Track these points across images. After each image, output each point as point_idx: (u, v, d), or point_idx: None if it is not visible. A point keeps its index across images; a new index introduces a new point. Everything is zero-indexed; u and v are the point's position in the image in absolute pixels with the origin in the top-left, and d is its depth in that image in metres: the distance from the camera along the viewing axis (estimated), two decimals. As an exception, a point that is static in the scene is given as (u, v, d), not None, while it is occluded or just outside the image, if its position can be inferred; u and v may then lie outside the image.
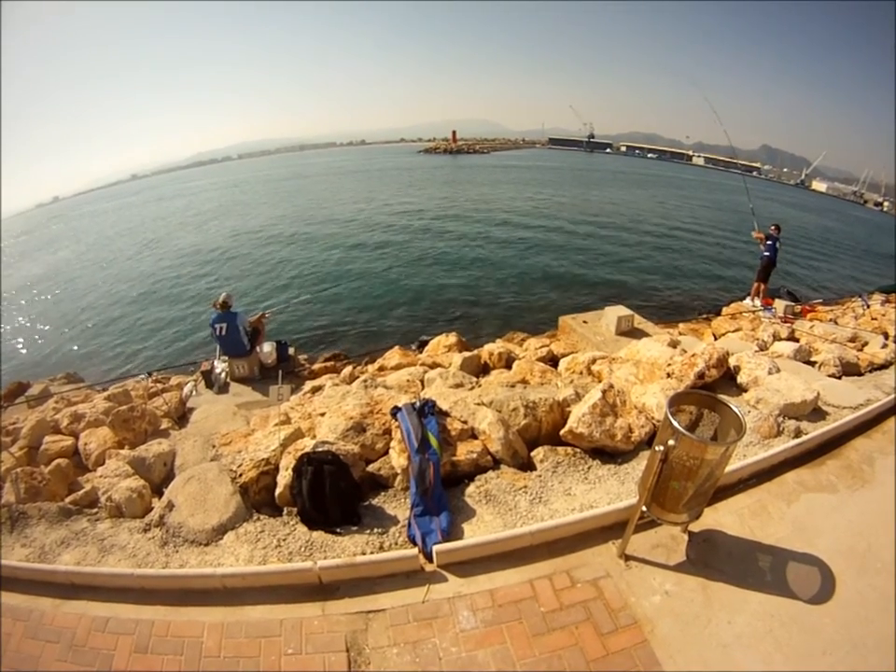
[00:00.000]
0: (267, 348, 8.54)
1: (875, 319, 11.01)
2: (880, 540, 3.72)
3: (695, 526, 3.65)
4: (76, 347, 15.36)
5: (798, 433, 4.87)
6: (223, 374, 7.96)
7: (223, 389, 7.78)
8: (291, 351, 9.20)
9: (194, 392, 7.58)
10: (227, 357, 8.07)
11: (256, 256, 23.06)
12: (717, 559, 3.49)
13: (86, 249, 31.89)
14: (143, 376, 8.82)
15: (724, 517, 3.86)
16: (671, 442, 2.77)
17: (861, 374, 6.91)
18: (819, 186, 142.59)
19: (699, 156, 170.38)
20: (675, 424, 2.74)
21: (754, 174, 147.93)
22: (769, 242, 11.98)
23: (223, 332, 7.81)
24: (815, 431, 4.87)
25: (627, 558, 3.43)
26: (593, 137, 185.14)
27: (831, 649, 2.90)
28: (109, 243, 33.35)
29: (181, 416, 6.73)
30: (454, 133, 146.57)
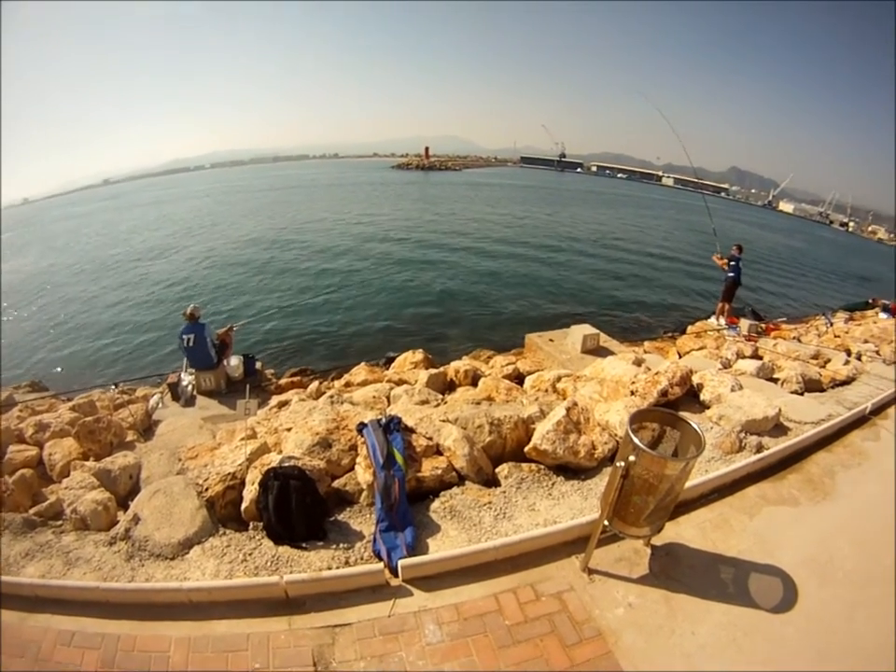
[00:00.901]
0: (234, 362, 8.57)
1: (839, 337, 11.29)
2: (842, 551, 3.84)
3: (658, 540, 3.72)
4: (41, 355, 14.96)
5: (760, 448, 4.99)
6: (190, 387, 7.93)
7: (190, 402, 7.75)
8: (258, 365, 9.23)
9: (160, 404, 7.51)
10: (194, 370, 8.06)
11: (227, 268, 22.66)
12: (679, 571, 3.55)
13: (56, 256, 31.12)
14: (104, 387, 8.69)
15: (686, 531, 3.94)
16: (632, 458, 2.84)
17: (823, 390, 7.08)
18: (786, 207, 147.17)
19: (668, 176, 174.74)
20: (635, 440, 2.81)
21: (722, 194, 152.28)
22: (732, 263, 12.16)
23: (191, 343, 7.83)
24: (776, 446, 5.00)
25: (591, 572, 3.47)
26: (564, 157, 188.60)
27: (794, 657, 2.98)
28: (81, 249, 32.57)
29: (147, 429, 6.64)
30: (426, 149, 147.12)
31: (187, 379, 8.00)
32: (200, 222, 40.14)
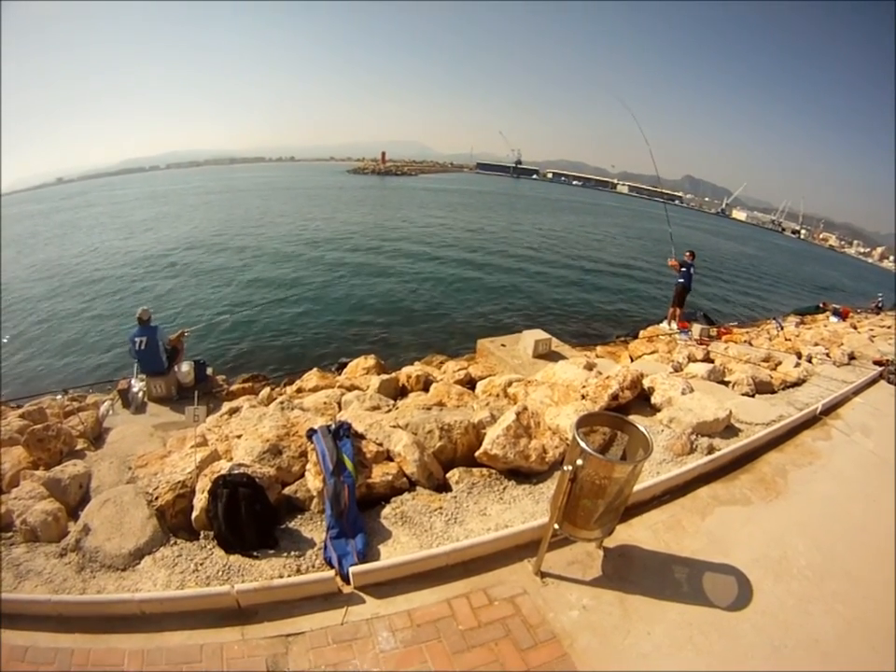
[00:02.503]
0: (185, 367, 8.42)
1: (789, 340, 11.62)
2: (796, 548, 3.96)
3: (610, 542, 3.77)
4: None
5: (711, 450, 5.09)
6: (140, 394, 7.79)
7: (140, 409, 7.61)
8: (209, 371, 9.10)
9: (111, 411, 7.35)
10: (144, 376, 7.94)
11: (180, 274, 22.22)
12: (633, 573, 3.60)
13: (11, 257, 29.98)
14: (54, 394, 8.47)
15: (639, 532, 4.00)
16: (579, 462, 2.87)
17: (774, 392, 7.28)
18: (738, 214, 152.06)
19: (623, 184, 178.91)
20: (582, 444, 2.84)
21: (676, 202, 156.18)
22: (683, 269, 12.39)
23: (142, 346, 7.74)
24: (728, 447, 5.12)
25: (543, 575, 3.49)
26: (520, 163, 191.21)
27: (752, 652, 3.04)
28: (35, 251, 31.49)
29: (97, 437, 6.44)
30: (383, 154, 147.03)
31: (137, 385, 7.86)
32: (157, 225, 39.12)
